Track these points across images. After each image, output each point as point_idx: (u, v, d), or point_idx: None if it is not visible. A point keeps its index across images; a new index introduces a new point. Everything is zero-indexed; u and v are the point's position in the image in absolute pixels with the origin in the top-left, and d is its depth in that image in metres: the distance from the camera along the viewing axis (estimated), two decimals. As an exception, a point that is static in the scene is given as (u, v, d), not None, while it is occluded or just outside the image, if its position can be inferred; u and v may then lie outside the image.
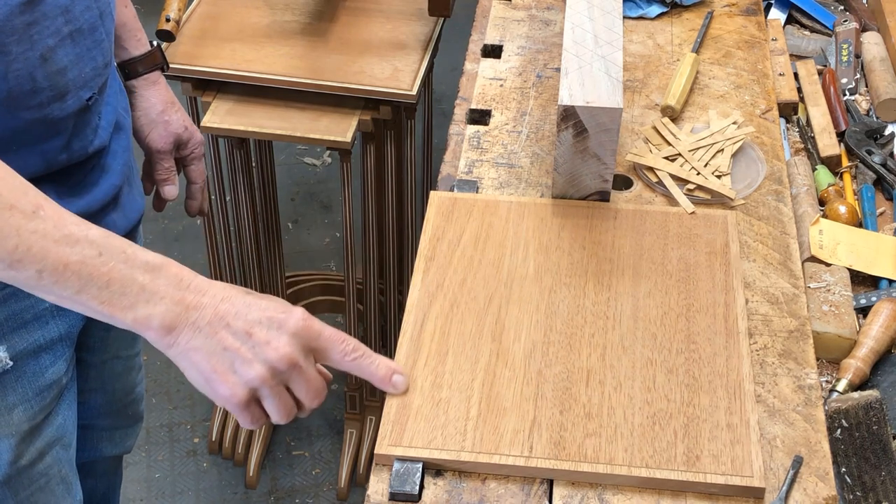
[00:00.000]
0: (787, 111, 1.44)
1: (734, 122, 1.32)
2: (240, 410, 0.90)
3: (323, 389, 0.93)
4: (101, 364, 1.39)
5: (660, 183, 1.24)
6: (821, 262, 1.18)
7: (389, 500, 0.94)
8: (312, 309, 2.33)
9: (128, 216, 1.22)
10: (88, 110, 1.09)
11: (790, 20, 1.63)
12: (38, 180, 0.93)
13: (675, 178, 1.24)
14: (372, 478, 0.96)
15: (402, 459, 0.95)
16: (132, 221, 1.23)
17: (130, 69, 1.32)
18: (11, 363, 1.11)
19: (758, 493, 0.93)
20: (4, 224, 0.82)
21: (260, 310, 0.89)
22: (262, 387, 0.89)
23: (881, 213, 1.29)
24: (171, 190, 1.37)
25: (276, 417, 0.91)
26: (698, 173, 1.24)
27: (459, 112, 1.38)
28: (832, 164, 1.36)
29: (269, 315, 0.89)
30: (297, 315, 0.90)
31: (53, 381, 1.17)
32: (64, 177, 1.10)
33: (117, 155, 1.20)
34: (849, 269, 1.17)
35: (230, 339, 0.88)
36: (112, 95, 1.17)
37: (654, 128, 1.32)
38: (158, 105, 1.33)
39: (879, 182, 1.34)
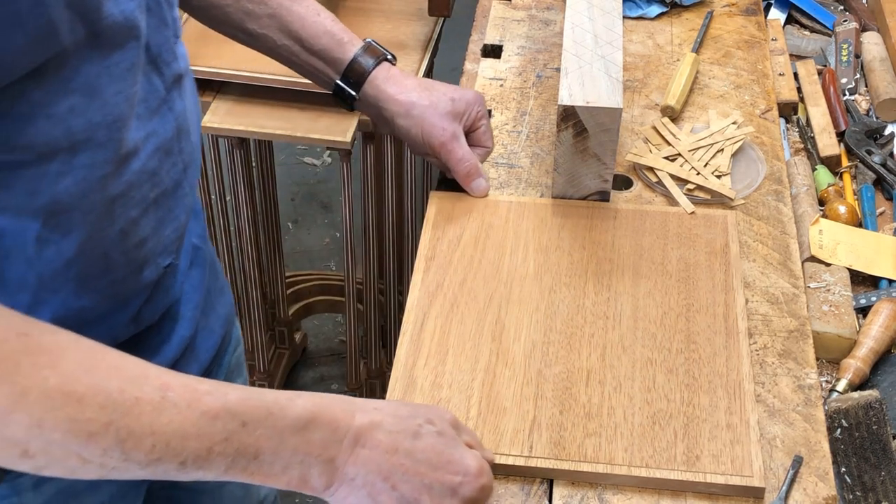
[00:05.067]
0: (787, 111, 1.44)
1: (734, 122, 1.32)
2: None
3: None
4: (217, 489, 1.23)
5: (660, 183, 1.24)
6: (821, 262, 1.18)
7: (389, 499, 0.94)
8: (312, 309, 2.33)
9: (200, 359, 1.07)
10: (165, 275, 0.95)
11: (790, 20, 1.63)
12: None
13: (674, 178, 1.24)
14: (372, 478, 0.96)
15: (402, 459, 0.95)
16: (204, 364, 1.07)
17: (355, 75, 1.15)
18: None
19: (758, 492, 0.93)
20: (135, 424, 0.71)
21: (432, 469, 0.80)
22: None
23: (881, 213, 1.29)
24: (480, 185, 1.19)
25: None
26: (698, 173, 1.24)
27: (459, 112, 1.38)
28: (832, 164, 1.36)
29: (441, 478, 0.80)
30: (474, 475, 0.82)
31: None
32: (126, 345, 0.92)
33: (190, 297, 1.03)
34: (849, 269, 1.17)
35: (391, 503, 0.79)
36: (187, 231, 1.01)
37: (654, 128, 1.32)
38: (403, 100, 1.15)
39: (879, 182, 1.34)
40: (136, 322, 0.94)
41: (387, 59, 1.18)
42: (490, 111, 1.36)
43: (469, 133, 1.20)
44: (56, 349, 0.71)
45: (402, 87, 1.16)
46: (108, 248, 0.85)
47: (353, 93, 1.16)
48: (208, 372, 1.08)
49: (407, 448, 0.80)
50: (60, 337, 0.73)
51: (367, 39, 1.18)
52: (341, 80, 1.15)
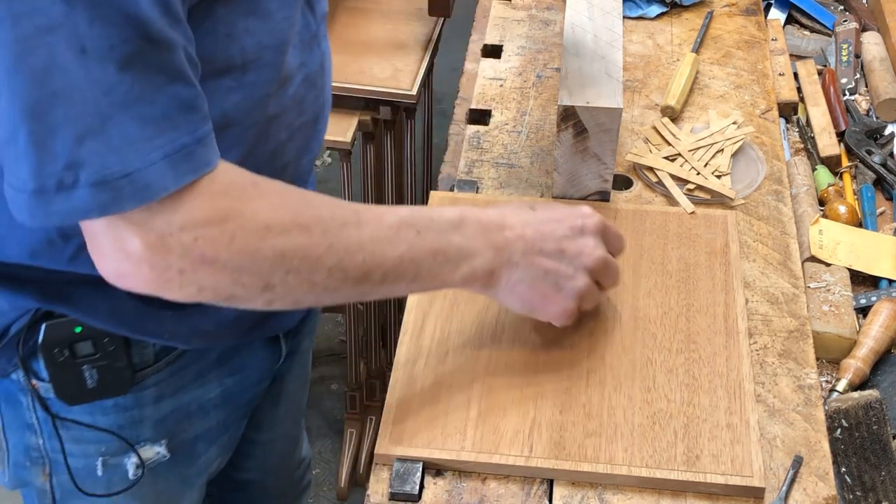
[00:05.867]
0: (787, 111, 1.44)
1: (734, 122, 1.32)
2: (569, 319, 0.97)
3: (620, 272, 1.00)
4: (270, 442, 1.31)
5: (660, 183, 1.24)
6: (821, 262, 1.18)
7: (389, 500, 0.94)
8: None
9: None
10: None
11: (790, 20, 1.63)
12: None
13: (675, 178, 1.24)
14: (372, 478, 0.96)
15: (402, 459, 0.95)
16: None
17: None
18: (169, 455, 1.06)
19: (758, 492, 0.93)
20: (347, 241, 0.83)
21: (559, 222, 0.94)
22: (586, 292, 0.96)
23: (881, 213, 1.29)
24: None
25: (587, 308, 0.99)
26: (698, 173, 1.24)
27: (459, 112, 1.38)
28: (832, 164, 1.36)
29: (569, 225, 0.95)
30: (588, 214, 0.96)
31: (204, 467, 1.13)
32: None
33: None
34: (849, 269, 1.17)
35: (547, 262, 0.93)
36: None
37: (654, 128, 1.32)
38: None
39: (879, 182, 1.34)
40: None
41: None
42: (490, 111, 1.36)
43: None
44: (279, 191, 0.83)
45: None
46: (260, 165, 0.91)
47: None
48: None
49: (533, 218, 0.94)
50: (277, 183, 0.83)
51: None
52: None
